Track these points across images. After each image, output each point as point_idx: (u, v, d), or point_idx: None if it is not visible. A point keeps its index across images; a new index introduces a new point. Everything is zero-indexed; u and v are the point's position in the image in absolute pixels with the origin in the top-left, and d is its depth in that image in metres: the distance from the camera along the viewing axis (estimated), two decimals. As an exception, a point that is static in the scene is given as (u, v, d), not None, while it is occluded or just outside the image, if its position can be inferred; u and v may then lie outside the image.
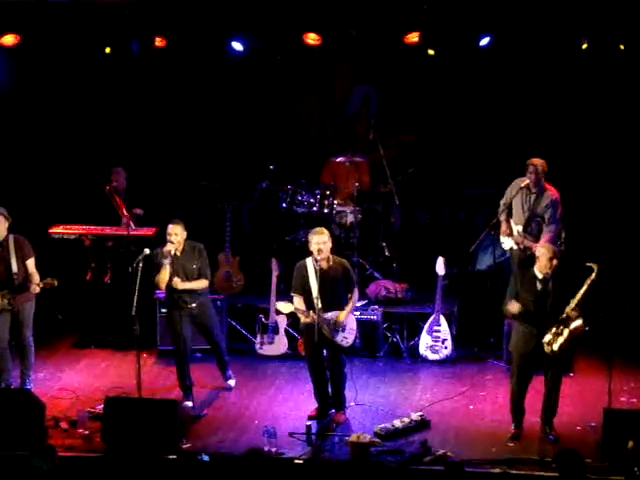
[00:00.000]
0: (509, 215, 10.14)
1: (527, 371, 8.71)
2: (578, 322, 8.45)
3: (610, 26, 10.39)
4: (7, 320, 9.36)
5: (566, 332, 8.46)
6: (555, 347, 8.48)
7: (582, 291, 8.49)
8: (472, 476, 7.66)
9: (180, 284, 9.18)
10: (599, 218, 11.11)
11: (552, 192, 9.96)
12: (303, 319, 8.88)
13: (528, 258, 9.61)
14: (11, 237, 9.38)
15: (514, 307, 8.59)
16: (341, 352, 8.94)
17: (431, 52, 11.03)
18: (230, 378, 9.78)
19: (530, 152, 10.46)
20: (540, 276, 8.56)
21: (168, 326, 9.65)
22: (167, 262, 9.11)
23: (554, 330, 8.48)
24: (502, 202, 10.19)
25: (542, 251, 8.62)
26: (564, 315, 8.48)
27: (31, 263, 9.40)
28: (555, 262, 8.53)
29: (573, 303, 8.47)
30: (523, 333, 8.64)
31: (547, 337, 8.48)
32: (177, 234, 9.18)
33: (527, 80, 11.50)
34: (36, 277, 9.36)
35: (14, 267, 9.30)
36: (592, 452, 8.09)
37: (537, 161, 9.93)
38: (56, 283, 9.31)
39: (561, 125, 11.56)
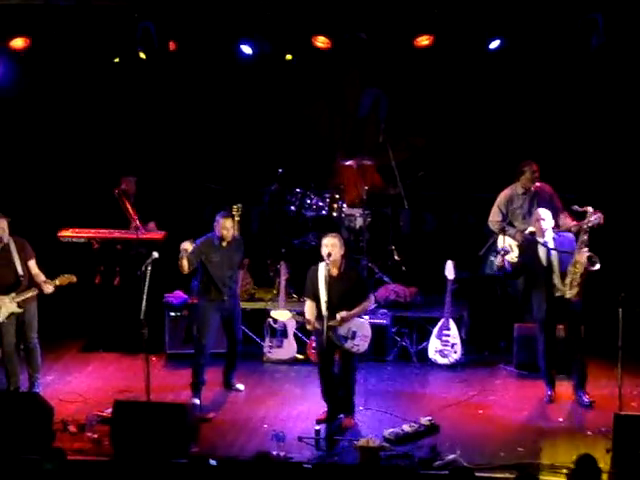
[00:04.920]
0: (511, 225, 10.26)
1: (553, 330, 9.31)
2: (584, 262, 8.99)
3: (623, 28, 10.34)
4: (13, 323, 9.38)
5: (578, 276, 9.04)
6: (574, 291, 9.09)
7: (582, 235, 9.08)
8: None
9: None
10: (613, 223, 11.04)
11: (543, 185, 10.17)
12: (307, 327, 9.05)
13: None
14: (11, 239, 9.38)
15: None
16: (352, 357, 8.91)
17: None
18: (236, 383, 9.80)
19: (540, 155, 10.48)
20: (541, 240, 9.17)
21: (197, 318, 9.69)
22: (183, 255, 9.26)
23: (569, 278, 9.07)
24: (497, 219, 10.29)
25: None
26: (573, 261, 9.04)
27: (33, 263, 9.40)
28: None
29: (577, 247, 9.06)
30: (541, 298, 9.24)
31: (565, 285, 9.11)
32: (230, 228, 9.43)
33: (537, 83, 11.46)
34: (42, 277, 9.36)
35: (19, 269, 9.30)
36: (602, 457, 8.03)
37: (533, 162, 10.23)
38: (75, 279, 9.32)
39: (572, 128, 11.52)
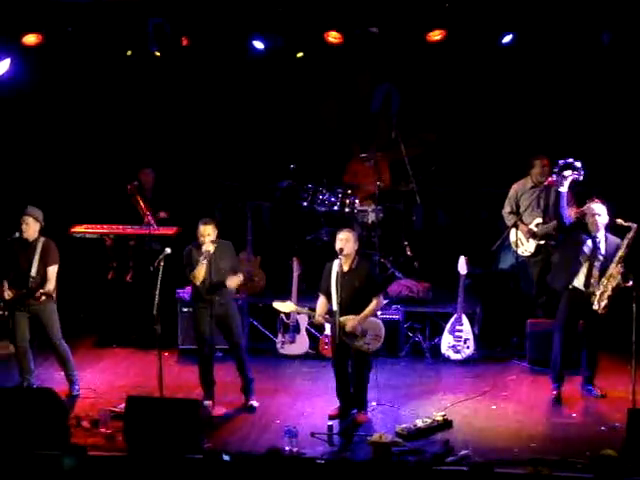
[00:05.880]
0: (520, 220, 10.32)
1: (572, 329, 9.18)
2: (618, 279, 8.88)
3: (633, 22, 10.30)
4: (25, 321, 9.41)
5: (609, 289, 8.91)
6: (602, 304, 8.91)
7: (622, 250, 8.91)
8: (499, 477, 7.59)
9: (232, 282, 9.17)
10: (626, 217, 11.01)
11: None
12: (315, 320, 9.06)
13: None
14: (41, 240, 9.41)
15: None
16: (366, 355, 8.90)
17: None
18: (250, 400, 9.38)
19: (552, 149, 10.44)
20: (593, 234, 9.05)
21: (193, 323, 9.58)
22: (205, 261, 9.03)
23: (600, 289, 8.92)
24: (506, 211, 10.42)
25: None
26: (608, 274, 8.91)
27: (52, 270, 9.40)
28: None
29: (615, 261, 8.90)
30: (567, 295, 9.13)
31: (595, 296, 8.94)
32: (209, 234, 9.10)
33: (550, 77, 11.44)
34: (50, 285, 9.35)
35: (33, 270, 9.32)
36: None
37: (543, 156, 10.27)
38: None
39: (584, 122, 11.48)
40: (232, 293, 9.43)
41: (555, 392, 9.27)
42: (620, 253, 8.93)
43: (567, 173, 9.44)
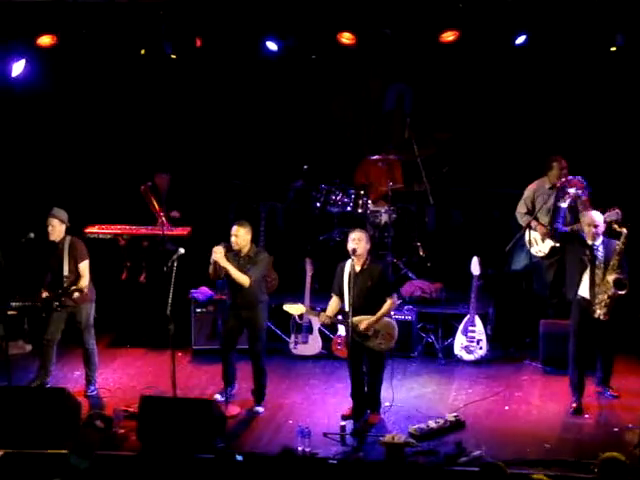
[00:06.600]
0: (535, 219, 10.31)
1: (586, 341, 9.03)
2: (611, 285, 8.76)
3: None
4: (62, 319, 9.47)
5: (606, 296, 8.79)
6: (602, 312, 8.82)
7: (614, 257, 8.79)
8: (512, 477, 7.57)
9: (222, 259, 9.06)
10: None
11: (571, 180, 10.04)
12: (320, 319, 9.07)
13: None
14: (67, 239, 9.51)
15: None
16: (379, 354, 8.91)
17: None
18: (260, 405, 9.37)
19: (565, 150, 10.43)
20: (590, 242, 8.92)
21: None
22: (212, 262, 9.11)
23: (600, 297, 8.82)
24: (522, 211, 10.42)
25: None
26: (604, 281, 8.80)
27: (83, 266, 9.48)
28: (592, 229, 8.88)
29: (610, 268, 8.79)
30: (580, 306, 8.97)
31: (595, 304, 8.85)
32: (237, 235, 9.15)
33: (563, 78, 11.42)
34: (82, 281, 9.42)
35: (65, 269, 9.39)
36: (629, 454, 8.00)
37: (562, 158, 10.24)
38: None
39: (598, 123, 11.45)
40: (261, 300, 9.33)
41: (575, 404, 9.06)
42: (612, 261, 8.84)
43: (572, 191, 9.68)
